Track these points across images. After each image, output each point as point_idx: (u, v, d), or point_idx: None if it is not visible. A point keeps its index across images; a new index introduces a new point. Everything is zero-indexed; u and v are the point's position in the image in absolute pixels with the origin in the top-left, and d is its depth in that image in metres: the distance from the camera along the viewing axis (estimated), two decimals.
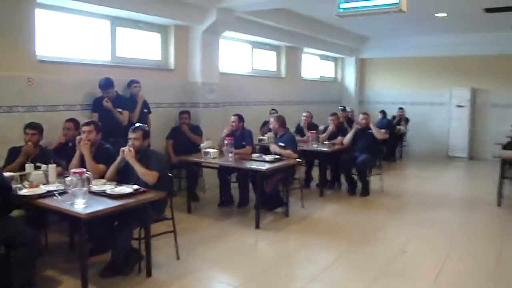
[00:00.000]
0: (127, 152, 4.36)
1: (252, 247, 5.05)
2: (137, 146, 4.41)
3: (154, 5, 6.62)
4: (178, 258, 4.53)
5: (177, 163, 6.80)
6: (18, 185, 4.06)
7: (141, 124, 4.62)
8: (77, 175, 3.58)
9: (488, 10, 8.13)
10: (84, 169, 3.67)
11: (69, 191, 3.67)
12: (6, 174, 4.23)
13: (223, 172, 6.53)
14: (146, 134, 4.51)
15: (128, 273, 4.13)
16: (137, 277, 4.15)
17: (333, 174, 7.89)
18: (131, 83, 6.53)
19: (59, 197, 3.76)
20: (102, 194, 3.84)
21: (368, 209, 6.71)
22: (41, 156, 4.78)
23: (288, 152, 6.23)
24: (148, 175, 4.27)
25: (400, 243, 5.10)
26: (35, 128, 4.81)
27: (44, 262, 4.27)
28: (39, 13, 5.59)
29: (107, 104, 5.94)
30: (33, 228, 4.44)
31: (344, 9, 4.97)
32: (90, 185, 3.93)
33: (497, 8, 7.90)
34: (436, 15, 8.81)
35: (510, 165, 7.14)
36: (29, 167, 4.42)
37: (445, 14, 8.77)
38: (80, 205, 3.53)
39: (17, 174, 4.33)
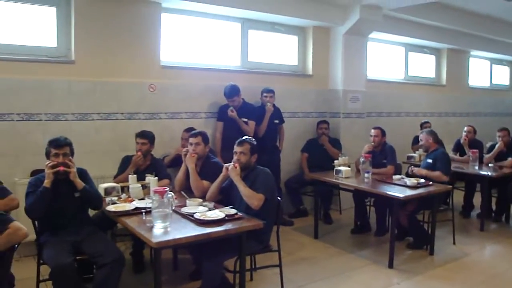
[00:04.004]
0: (231, 168, 3.77)
1: None
2: (242, 163, 3.80)
3: (290, 4, 6.04)
4: None
5: (311, 179, 6.02)
6: (113, 198, 3.74)
7: (248, 137, 3.99)
8: (158, 194, 3.08)
9: None
10: (167, 189, 3.14)
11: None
12: (108, 184, 4.01)
13: (359, 194, 5.62)
14: (254, 149, 3.87)
15: None
16: None
17: (499, 203, 6.39)
18: (262, 92, 5.99)
19: (146, 217, 3.29)
20: (189, 218, 3.29)
21: None
22: (152, 167, 4.49)
23: (436, 174, 5.12)
24: (253, 198, 3.62)
25: None
26: (145, 137, 4.53)
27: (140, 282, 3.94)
28: (164, 17, 5.36)
29: (231, 113, 5.49)
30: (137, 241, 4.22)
31: None
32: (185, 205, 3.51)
33: None
34: None
35: None
36: (131, 178, 4.10)
37: None
38: (158, 230, 3.03)
39: (119, 185, 4.06)
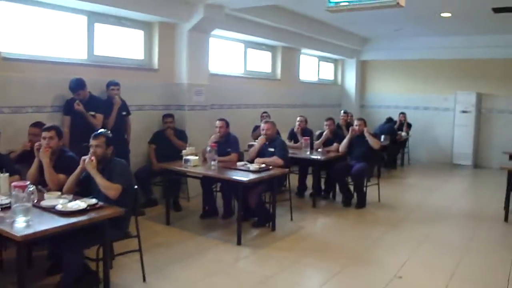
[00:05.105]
0: (87, 161, 3.88)
1: (231, 266, 4.53)
2: (99, 155, 3.94)
3: None
4: (144, 280, 4.03)
5: (160, 170, 6.28)
6: None
7: (103, 130, 4.13)
8: (18, 189, 3.10)
9: (496, 10, 7.61)
10: (27, 183, 3.17)
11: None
12: None
13: (206, 181, 6.03)
14: (109, 141, 4.03)
15: None
16: None
17: (327, 183, 7.37)
18: (109, 85, 6.05)
19: (2, 214, 3.26)
20: (51, 210, 3.35)
21: (363, 223, 6.19)
22: None
23: (273, 159, 5.76)
24: (110, 188, 3.80)
25: (395, 266, 4.56)
26: None
27: None
28: (2, 6, 5.12)
29: (78, 107, 5.46)
30: None
31: (335, 3, 4.45)
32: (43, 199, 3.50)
33: (506, 8, 7.37)
34: (441, 15, 8.29)
35: None
36: None
37: (449, 14, 8.25)
38: (21, 224, 3.06)
39: None
